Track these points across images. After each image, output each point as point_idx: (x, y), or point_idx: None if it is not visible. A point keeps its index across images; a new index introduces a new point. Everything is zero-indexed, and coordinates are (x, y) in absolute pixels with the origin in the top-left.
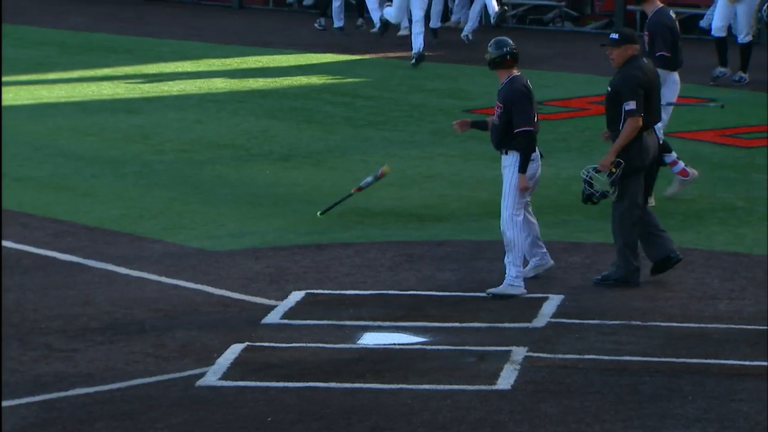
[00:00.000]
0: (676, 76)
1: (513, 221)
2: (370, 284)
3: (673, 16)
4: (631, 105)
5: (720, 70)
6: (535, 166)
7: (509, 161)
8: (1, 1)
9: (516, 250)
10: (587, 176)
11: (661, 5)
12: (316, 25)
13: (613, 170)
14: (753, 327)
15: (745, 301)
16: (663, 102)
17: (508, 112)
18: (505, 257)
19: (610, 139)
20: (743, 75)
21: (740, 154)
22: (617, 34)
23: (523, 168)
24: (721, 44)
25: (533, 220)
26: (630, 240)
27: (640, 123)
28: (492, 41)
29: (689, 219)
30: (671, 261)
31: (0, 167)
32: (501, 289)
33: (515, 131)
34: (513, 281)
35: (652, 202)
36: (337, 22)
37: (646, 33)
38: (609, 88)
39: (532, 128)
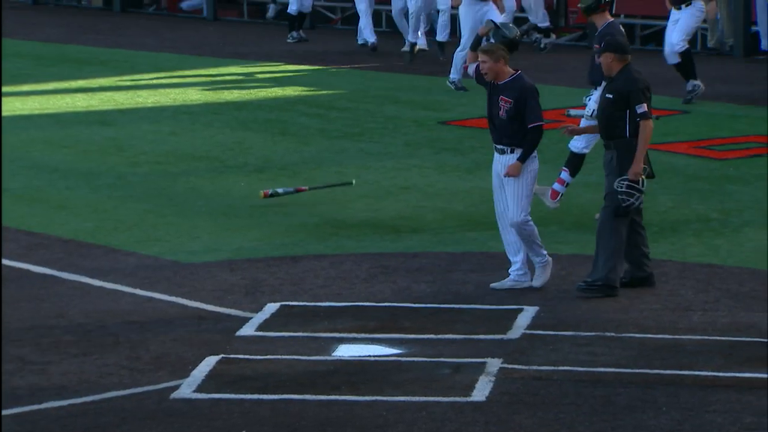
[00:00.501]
0: None
1: (525, 223)
2: (345, 296)
3: (622, 29)
4: (643, 108)
5: (692, 83)
6: (537, 162)
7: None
8: (1, 16)
9: (535, 239)
10: (623, 188)
11: (612, 19)
12: (288, 39)
13: (643, 177)
14: (726, 338)
15: (718, 312)
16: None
17: (518, 107)
18: (529, 253)
19: (574, 133)
20: (695, 83)
21: (714, 165)
22: (604, 43)
23: (524, 159)
24: (686, 57)
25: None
26: (620, 247)
27: (652, 125)
28: (493, 33)
29: (663, 231)
30: (647, 282)
31: (0, 181)
32: (541, 279)
33: (530, 126)
34: (543, 263)
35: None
36: (371, 38)
37: (596, 45)
38: (610, 95)
39: (543, 123)
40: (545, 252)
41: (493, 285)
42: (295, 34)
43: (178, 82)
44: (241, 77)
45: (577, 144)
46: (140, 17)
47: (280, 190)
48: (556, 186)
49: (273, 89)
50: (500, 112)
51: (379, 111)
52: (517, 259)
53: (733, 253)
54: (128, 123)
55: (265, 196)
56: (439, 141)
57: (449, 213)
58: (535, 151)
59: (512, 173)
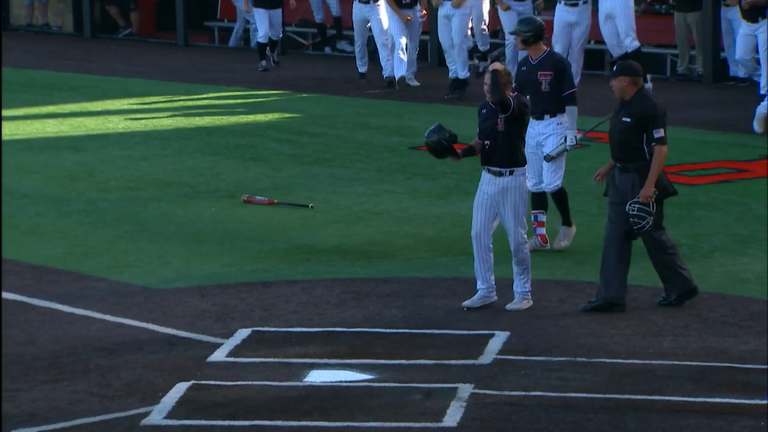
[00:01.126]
0: None
1: (525, 242)
2: (317, 321)
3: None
4: (660, 132)
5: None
6: (525, 179)
7: (514, 183)
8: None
9: (528, 267)
10: (635, 211)
11: (549, 48)
12: (259, 68)
13: (653, 200)
14: (697, 363)
15: (689, 337)
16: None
17: (515, 129)
18: (516, 278)
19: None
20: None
21: (684, 191)
22: (616, 66)
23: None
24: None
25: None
26: (676, 259)
27: (666, 150)
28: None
29: (634, 255)
30: (693, 293)
31: (0, 203)
32: (515, 306)
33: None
34: (525, 296)
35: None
36: (361, 68)
37: (545, 73)
38: (627, 119)
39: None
40: (529, 287)
41: (464, 303)
42: (263, 63)
43: (149, 107)
44: (212, 103)
45: (541, 185)
46: (111, 43)
47: (257, 198)
48: (540, 230)
49: (244, 115)
50: (498, 126)
51: (350, 136)
52: (487, 277)
53: (703, 279)
54: (98, 149)
55: (244, 201)
56: (411, 166)
57: (420, 238)
58: (525, 168)
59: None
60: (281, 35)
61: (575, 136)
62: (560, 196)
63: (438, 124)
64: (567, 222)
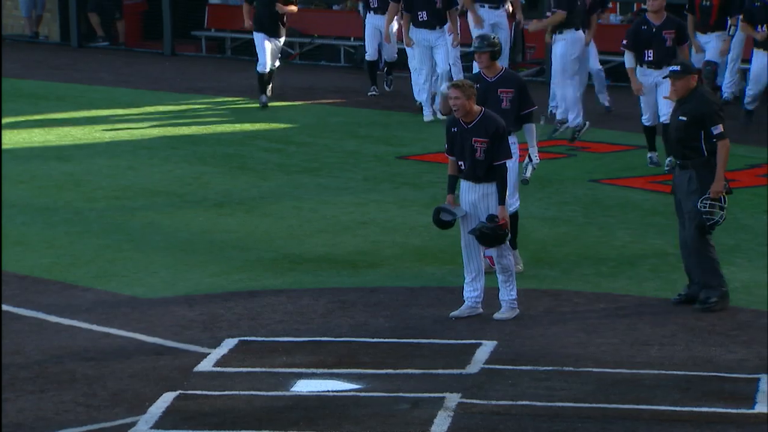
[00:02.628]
0: None
1: (508, 247)
2: (303, 331)
3: None
4: (719, 128)
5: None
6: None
7: (494, 189)
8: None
9: (513, 273)
10: (706, 207)
11: (505, 67)
12: (258, 104)
13: (725, 194)
14: (684, 372)
15: (676, 346)
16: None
17: (494, 145)
18: (502, 286)
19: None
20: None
21: (670, 200)
22: (679, 66)
23: (503, 199)
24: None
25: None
26: (717, 259)
27: (729, 143)
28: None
29: (621, 265)
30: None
31: (0, 214)
32: (503, 315)
33: (496, 164)
34: (512, 305)
35: (520, 268)
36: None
37: (506, 90)
38: (684, 118)
39: (509, 159)
40: (515, 295)
41: (452, 314)
42: (264, 98)
43: (136, 116)
44: (199, 112)
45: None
46: (97, 52)
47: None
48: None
49: (231, 124)
50: (477, 154)
51: (338, 146)
52: (477, 286)
53: None
54: (85, 158)
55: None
56: (399, 176)
57: (408, 248)
58: None
59: (506, 217)
60: (276, 66)
61: (537, 154)
62: (514, 219)
63: (442, 209)
64: (515, 243)
